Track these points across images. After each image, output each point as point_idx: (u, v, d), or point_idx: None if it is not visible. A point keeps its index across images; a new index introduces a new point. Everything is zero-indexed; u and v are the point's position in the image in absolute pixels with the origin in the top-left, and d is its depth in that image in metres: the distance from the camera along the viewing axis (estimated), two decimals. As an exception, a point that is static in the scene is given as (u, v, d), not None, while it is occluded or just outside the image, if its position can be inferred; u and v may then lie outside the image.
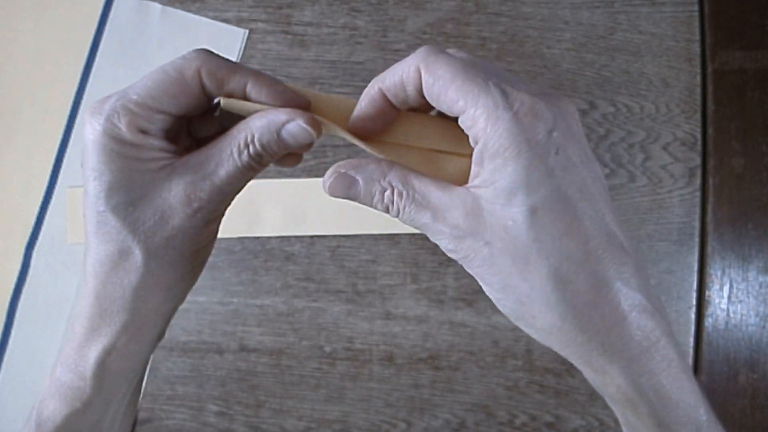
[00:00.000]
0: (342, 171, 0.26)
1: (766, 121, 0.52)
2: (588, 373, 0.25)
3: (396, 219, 0.26)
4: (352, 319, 0.52)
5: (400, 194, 0.25)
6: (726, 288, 0.51)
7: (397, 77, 0.25)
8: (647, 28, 0.53)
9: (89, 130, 0.24)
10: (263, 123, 0.25)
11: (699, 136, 0.52)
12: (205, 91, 0.25)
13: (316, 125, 0.25)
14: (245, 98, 0.26)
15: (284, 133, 0.25)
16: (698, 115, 0.52)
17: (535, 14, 0.54)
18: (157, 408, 0.52)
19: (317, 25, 0.55)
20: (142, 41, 0.56)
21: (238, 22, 0.56)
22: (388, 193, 0.25)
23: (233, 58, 0.55)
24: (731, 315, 0.51)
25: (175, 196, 0.25)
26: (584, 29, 0.54)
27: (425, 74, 0.24)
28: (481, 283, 0.25)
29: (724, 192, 0.51)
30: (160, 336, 0.29)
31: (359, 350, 0.52)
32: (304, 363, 0.52)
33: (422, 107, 0.26)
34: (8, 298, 0.54)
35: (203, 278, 0.53)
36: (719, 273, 0.51)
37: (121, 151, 0.24)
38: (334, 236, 0.53)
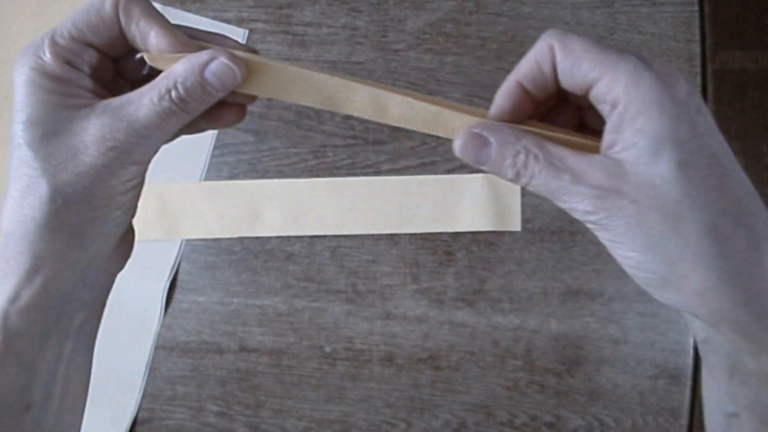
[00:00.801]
0: (475, 131, 0.25)
1: (766, 121, 0.52)
2: (739, 343, 0.23)
3: (519, 186, 0.24)
4: (352, 319, 0.52)
5: (536, 157, 0.24)
6: (726, 288, 0.51)
7: (531, 60, 0.25)
8: (647, 28, 0.53)
9: (17, 67, 0.24)
10: (186, 67, 0.25)
11: (699, 136, 0.52)
12: (122, 28, 0.25)
13: (238, 61, 0.25)
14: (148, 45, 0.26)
15: (207, 74, 0.25)
16: (698, 115, 0.52)
17: (535, 14, 0.54)
18: (157, 408, 0.52)
19: (317, 25, 0.55)
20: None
21: (238, 22, 0.56)
22: (522, 156, 0.24)
23: (233, 58, 0.55)
24: (731, 315, 0.51)
25: (91, 134, 0.24)
26: (584, 29, 0.54)
27: (559, 49, 0.24)
28: (617, 251, 0.23)
29: (724, 192, 0.51)
30: (78, 302, 0.27)
31: (359, 350, 0.52)
32: (304, 363, 0.52)
33: (556, 96, 0.26)
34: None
35: (203, 278, 0.53)
36: (719, 273, 0.51)
37: (44, 84, 0.24)
38: (334, 236, 0.53)
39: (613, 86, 0.23)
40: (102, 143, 0.24)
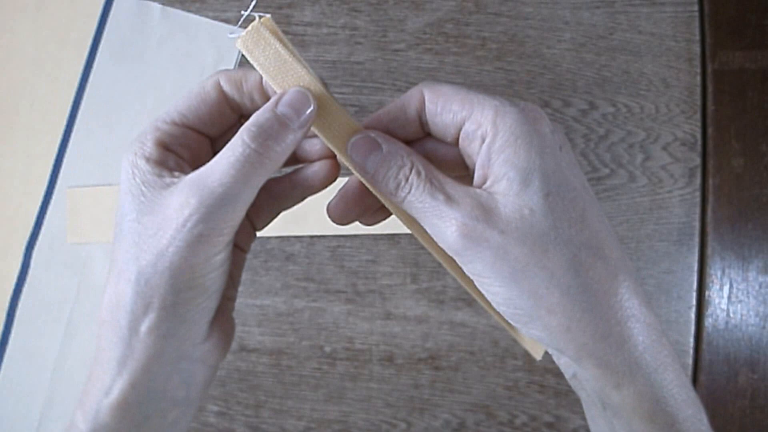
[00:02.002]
0: (371, 135, 0.25)
1: (766, 121, 0.52)
2: (602, 377, 0.23)
3: (396, 201, 0.24)
4: (352, 319, 0.52)
5: (419, 173, 0.24)
6: (726, 288, 0.51)
7: (398, 102, 0.25)
8: (647, 28, 0.53)
9: (124, 155, 0.25)
10: (260, 110, 0.24)
11: (699, 136, 0.52)
12: (228, 100, 0.25)
13: (309, 93, 0.25)
14: (265, 98, 0.25)
15: (280, 107, 0.24)
16: (698, 115, 0.52)
17: (535, 14, 0.54)
18: (157, 408, 0.52)
19: (317, 25, 0.55)
20: (142, 41, 0.56)
21: (238, 22, 0.56)
22: (406, 169, 0.24)
23: (233, 58, 0.55)
24: (731, 315, 0.51)
25: (171, 207, 0.23)
26: (584, 29, 0.54)
27: (429, 93, 0.24)
28: (484, 286, 0.24)
29: (724, 192, 0.51)
30: (172, 400, 0.25)
31: (359, 350, 0.52)
32: (304, 363, 0.52)
33: (415, 133, 0.26)
34: (8, 298, 0.54)
35: (203, 278, 0.53)
36: (719, 273, 0.51)
37: (143, 167, 0.24)
38: (334, 236, 0.53)
39: (481, 122, 0.23)
40: (180, 213, 0.23)
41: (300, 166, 0.28)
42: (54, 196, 0.55)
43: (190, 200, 0.23)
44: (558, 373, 0.51)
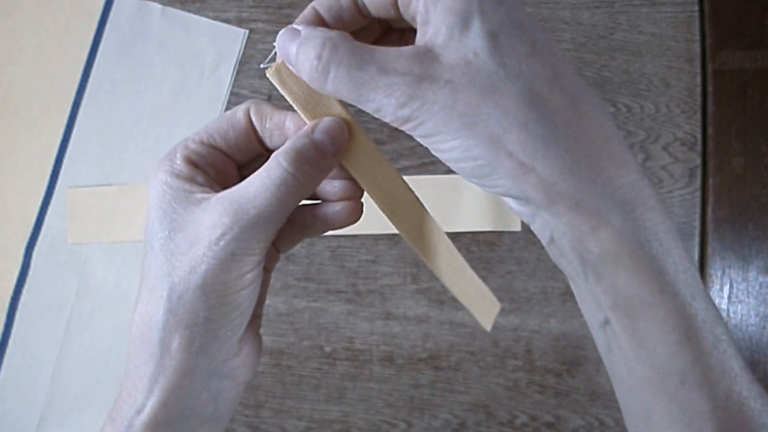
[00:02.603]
0: (293, 26, 0.24)
1: (766, 121, 0.52)
2: (576, 221, 0.21)
3: (325, 89, 0.22)
4: (352, 319, 0.52)
5: (335, 47, 0.22)
6: (726, 288, 0.51)
7: None
8: (647, 28, 0.53)
9: (153, 172, 0.25)
10: (296, 135, 0.24)
11: (699, 136, 0.52)
12: (254, 129, 0.26)
13: (343, 123, 0.25)
14: (283, 139, 0.26)
15: (316, 134, 0.24)
16: (698, 115, 0.52)
17: (535, 14, 0.54)
18: (157, 408, 0.52)
19: (317, 25, 0.55)
20: (142, 41, 0.56)
21: (238, 22, 0.56)
22: (328, 45, 0.22)
23: (233, 58, 0.55)
24: (731, 315, 0.51)
25: (203, 224, 0.23)
26: (584, 29, 0.54)
27: None
28: (438, 145, 0.22)
29: (724, 192, 0.51)
30: (200, 417, 0.25)
31: (359, 350, 0.52)
32: (304, 363, 0.52)
33: (355, 21, 0.25)
34: (8, 298, 0.54)
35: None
36: (719, 273, 0.51)
37: (172, 184, 0.24)
38: (334, 236, 0.53)
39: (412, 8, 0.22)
40: (213, 232, 0.23)
41: (321, 202, 0.28)
42: (54, 196, 0.55)
43: (224, 219, 0.23)
44: (558, 373, 0.51)
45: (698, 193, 0.52)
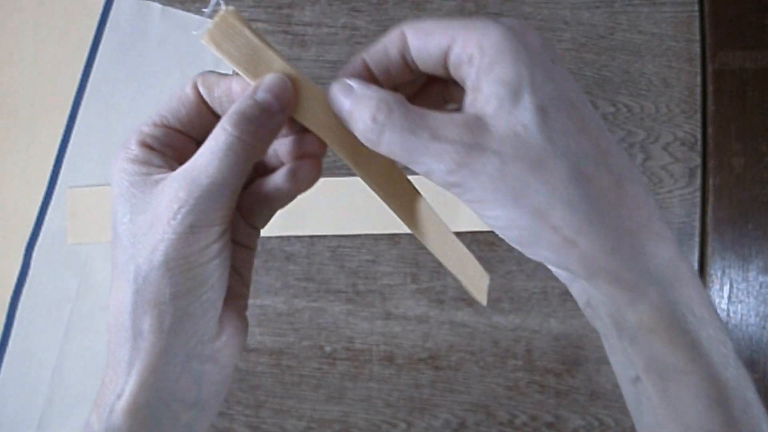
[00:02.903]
0: (346, 80, 0.24)
1: (766, 121, 0.52)
2: (615, 294, 0.22)
3: (377, 147, 0.23)
4: (352, 319, 0.52)
5: (390, 110, 0.22)
6: (726, 288, 0.51)
7: (380, 45, 0.24)
8: (647, 28, 0.53)
9: (112, 162, 0.25)
10: (240, 98, 0.24)
11: (699, 136, 0.52)
12: (204, 101, 0.26)
13: (286, 78, 0.24)
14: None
15: (259, 93, 0.24)
16: (698, 115, 0.52)
17: (535, 14, 0.54)
18: (157, 408, 0.52)
19: (317, 25, 0.55)
20: (142, 41, 0.56)
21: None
22: (384, 106, 0.22)
23: (233, 58, 0.55)
24: (731, 315, 0.51)
25: (161, 203, 0.23)
26: (584, 29, 0.54)
27: (410, 30, 0.24)
28: (484, 212, 0.23)
29: (724, 192, 0.51)
30: (183, 401, 0.25)
31: (359, 350, 0.52)
32: (304, 363, 0.52)
33: (403, 75, 0.25)
34: (8, 298, 0.54)
35: (203, 278, 0.53)
36: (719, 273, 0.51)
37: (129, 169, 0.24)
38: (334, 236, 0.53)
39: (466, 44, 0.22)
40: (170, 208, 0.23)
41: (282, 167, 0.28)
42: (54, 196, 0.55)
43: (179, 194, 0.23)
44: (558, 373, 0.51)
45: (698, 193, 0.52)
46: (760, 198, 0.51)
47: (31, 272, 0.54)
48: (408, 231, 0.56)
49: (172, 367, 0.24)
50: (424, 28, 0.23)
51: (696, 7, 0.53)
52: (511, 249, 0.56)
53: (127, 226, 0.24)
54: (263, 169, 0.28)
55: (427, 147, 0.22)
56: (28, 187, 0.55)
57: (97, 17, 0.56)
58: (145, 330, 0.24)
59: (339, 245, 0.53)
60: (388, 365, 0.52)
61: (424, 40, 0.23)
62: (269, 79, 0.24)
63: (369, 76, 0.25)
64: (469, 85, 0.23)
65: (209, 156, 0.23)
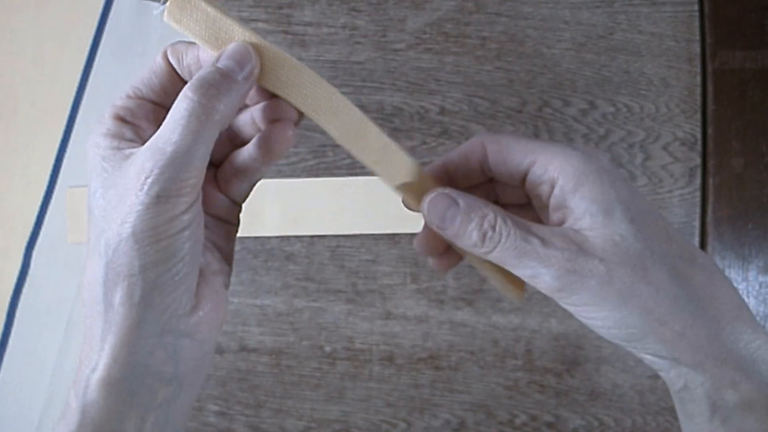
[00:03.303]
0: (445, 192, 0.26)
1: (766, 121, 0.52)
2: (720, 377, 0.24)
3: (481, 252, 0.25)
4: (352, 319, 0.52)
5: (505, 221, 0.25)
6: (726, 288, 0.51)
7: (461, 153, 0.27)
8: (647, 28, 0.53)
9: (90, 136, 0.25)
10: (204, 67, 0.25)
11: (699, 136, 0.52)
12: (175, 71, 0.26)
13: (250, 45, 0.25)
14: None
15: (222, 61, 0.24)
16: (698, 115, 0.52)
17: (535, 14, 0.54)
18: (157, 408, 0.52)
19: (317, 25, 0.55)
20: (142, 41, 0.56)
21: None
22: (490, 218, 0.25)
23: (233, 58, 0.55)
24: (731, 315, 0.51)
25: (129, 175, 0.23)
26: (584, 29, 0.54)
27: (490, 145, 0.26)
28: (589, 314, 0.25)
29: (724, 192, 0.51)
30: (159, 376, 0.25)
31: (359, 350, 0.52)
32: (304, 363, 0.52)
33: (476, 179, 0.28)
34: (8, 298, 0.54)
35: (203, 278, 0.53)
36: (719, 273, 0.51)
37: (103, 143, 0.25)
38: (334, 236, 0.53)
39: (547, 167, 0.25)
40: (137, 179, 0.23)
41: (256, 136, 0.28)
42: (54, 196, 0.55)
43: (145, 165, 0.23)
44: (558, 373, 0.51)
45: (698, 193, 0.52)
46: (760, 198, 0.51)
47: (31, 272, 0.54)
48: (408, 231, 0.56)
49: (145, 340, 0.24)
50: (503, 143, 0.26)
51: (696, 7, 0.53)
52: (511, 249, 0.55)
53: (99, 200, 0.24)
54: (241, 142, 0.29)
55: (537, 253, 0.24)
56: (28, 187, 0.55)
57: (97, 17, 0.56)
58: (116, 302, 0.23)
59: (339, 245, 0.53)
60: (388, 365, 0.52)
61: (504, 157, 0.26)
62: (231, 46, 0.25)
63: (448, 180, 0.28)
64: (552, 204, 0.26)
65: (172, 124, 0.23)
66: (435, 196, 0.26)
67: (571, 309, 0.25)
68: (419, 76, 0.54)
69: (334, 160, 0.54)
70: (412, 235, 0.52)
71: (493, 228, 0.25)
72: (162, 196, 0.23)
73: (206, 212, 0.28)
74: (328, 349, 0.52)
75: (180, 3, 0.25)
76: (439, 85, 0.54)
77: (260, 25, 0.55)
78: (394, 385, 0.52)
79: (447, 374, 0.52)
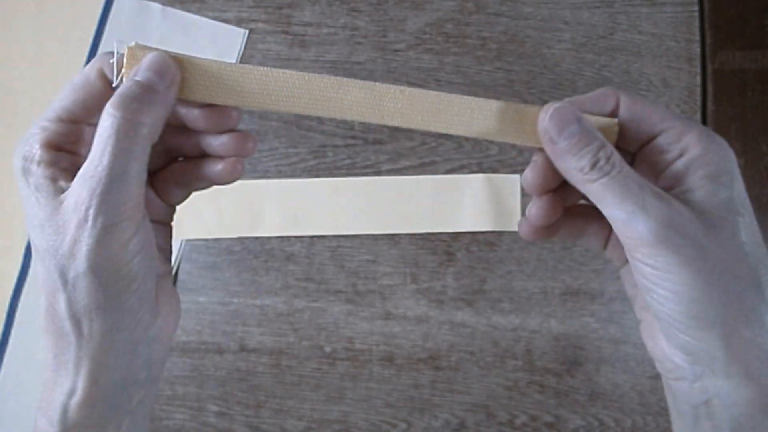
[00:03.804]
0: (573, 109, 0.25)
1: (766, 121, 0.52)
2: (751, 396, 0.23)
3: (586, 178, 0.24)
4: (352, 319, 0.52)
5: (620, 158, 0.24)
6: (726, 288, 0.51)
7: (593, 96, 0.26)
8: (647, 29, 0.53)
9: (14, 158, 0.24)
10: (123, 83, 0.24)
11: (699, 136, 0.52)
12: (112, 88, 0.25)
13: (166, 56, 0.24)
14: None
15: (140, 73, 0.23)
16: (698, 115, 0.52)
17: (535, 14, 0.54)
18: (157, 408, 0.52)
19: (317, 25, 0.55)
20: (142, 41, 0.56)
21: (238, 22, 0.56)
22: (607, 149, 0.24)
23: (233, 58, 0.55)
24: (731, 315, 0.51)
25: (69, 205, 0.22)
26: (584, 29, 0.54)
27: (626, 97, 0.25)
28: (669, 278, 0.23)
29: (724, 192, 0.51)
30: (136, 382, 0.25)
31: (359, 350, 0.52)
32: (304, 363, 0.52)
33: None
34: (8, 298, 0.54)
35: (203, 278, 0.53)
36: (719, 273, 0.51)
37: (35, 172, 0.23)
38: (334, 236, 0.53)
39: (682, 136, 0.24)
40: (78, 211, 0.22)
41: (204, 158, 0.27)
42: (54, 196, 0.54)
43: (82, 194, 0.22)
44: (558, 373, 0.51)
45: (698, 193, 0.52)
46: (760, 198, 0.51)
47: (31, 272, 0.54)
48: (408, 231, 0.56)
49: (121, 357, 0.24)
50: (641, 101, 0.25)
51: (696, 8, 0.53)
52: (511, 249, 0.56)
53: (40, 232, 0.23)
54: (178, 152, 0.28)
55: (643, 199, 0.23)
56: (28, 187, 0.55)
57: (97, 17, 0.56)
58: (86, 333, 0.23)
59: (339, 245, 0.53)
60: (388, 365, 0.52)
61: (639, 114, 0.25)
62: (148, 58, 0.24)
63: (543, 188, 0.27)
64: (670, 171, 0.25)
65: (101, 145, 0.22)
66: (562, 107, 0.25)
67: (645, 269, 0.23)
68: (419, 77, 0.54)
69: (334, 160, 0.54)
70: (412, 235, 0.53)
71: (608, 159, 0.23)
72: (109, 225, 0.22)
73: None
74: (328, 349, 0.52)
75: (134, 52, 0.24)
76: (439, 85, 0.54)
77: (260, 25, 0.55)
78: (394, 386, 0.52)
79: (447, 374, 0.52)
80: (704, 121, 0.52)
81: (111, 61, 0.24)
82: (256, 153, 0.54)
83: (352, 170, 0.53)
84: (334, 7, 0.55)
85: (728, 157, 0.24)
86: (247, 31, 0.55)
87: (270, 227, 0.53)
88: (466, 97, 0.25)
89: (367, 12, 0.55)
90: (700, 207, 0.23)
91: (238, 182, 0.57)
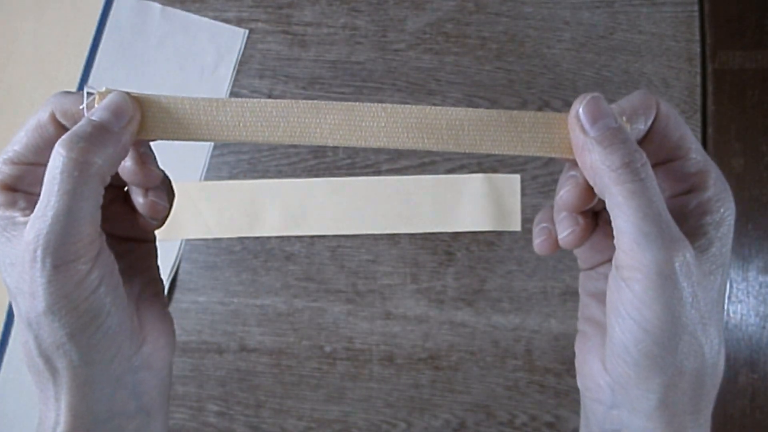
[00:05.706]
0: (606, 103, 0.23)
1: (766, 121, 0.52)
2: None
3: (618, 179, 0.22)
4: (352, 319, 0.52)
5: (650, 166, 0.22)
6: (726, 288, 0.51)
7: (630, 99, 0.25)
8: (647, 28, 0.53)
9: None
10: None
11: (699, 136, 0.52)
12: (64, 130, 0.24)
13: (125, 94, 0.24)
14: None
15: (96, 112, 0.23)
16: (698, 115, 0.52)
17: (535, 14, 0.54)
18: (157, 408, 0.52)
19: (317, 25, 0.55)
20: (142, 41, 0.56)
21: (238, 22, 0.56)
22: (642, 154, 0.22)
23: (233, 58, 0.55)
24: (731, 315, 0.51)
25: (21, 247, 0.22)
26: (584, 29, 0.54)
27: (665, 107, 0.24)
28: (637, 307, 0.22)
29: (724, 192, 0.51)
30: (124, 414, 0.25)
31: (359, 350, 0.52)
32: (304, 363, 0.52)
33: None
34: (8, 298, 0.54)
35: (203, 278, 0.53)
36: (719, 273, 0.51)
37: None
38: (334, 236, 0.53)
39: (702, 173, 0.24)
40: (28, 251, 0.21)
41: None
42: (54, 196, 0.54)
43: (29, 236, 0.21)
44: (558, 373, 0.51)
45: (698, 193, 0.52)
46: (760, 198, 0.51)
47: (31, 272, 0.54)
48: (408, 231, 0.56)
49: (101, 391, 0.24)
50: (673, 114, 0.24)
51: (696, 7, 0.53)
52: (511, 249, 0.56)
53: (12, 272, 0.23)
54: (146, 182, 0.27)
55: (666, 226, 0.21)
56: (28, 187, 0.55)
57: (97, 17, 0.56)
58: (60, 369, 0.23)
59: (339, 245, 0.53)
60: (388, 365, 0.52)
61: (674, 123, 0.24)
62: (108, 98, 0.24)
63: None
64: (676, 203, 0.24)
65: (48, 185, 0.21)
66: (600, 97, 0.23)
67: (626, 293, 0.22)
68: (419, 76, 0.54)
69: (334, 160, 0.54)
70: (412, 235, 0.53)
71: (643, 164, 0.22)
72: (58, 266, 0.21)
73: (120, 236, 0.27)
74: (328, 349, 0.52)
75: (105, 97, 0.24)
76: (439, 85, 0.54)
77: (260, 24, 0.55)
78: (394, 386, 0.52)
79: (447, 374, 0.52)
80: (704, 121, 0.52)
81: (81, 106, 0.24)
82: (256, 153, 0.54)
83: (352, 170, 0.53)
84: (334, 7, 0.55)
85: (733, 209, 0.24)
86: (247, 31, 0.55)
87: (270, 227, 0.53)
88: (453, 108, 0.24)
89: (367, 12, 0.55)
90: (698, 253, 0.22)
91: (238, 182, 0.57)
